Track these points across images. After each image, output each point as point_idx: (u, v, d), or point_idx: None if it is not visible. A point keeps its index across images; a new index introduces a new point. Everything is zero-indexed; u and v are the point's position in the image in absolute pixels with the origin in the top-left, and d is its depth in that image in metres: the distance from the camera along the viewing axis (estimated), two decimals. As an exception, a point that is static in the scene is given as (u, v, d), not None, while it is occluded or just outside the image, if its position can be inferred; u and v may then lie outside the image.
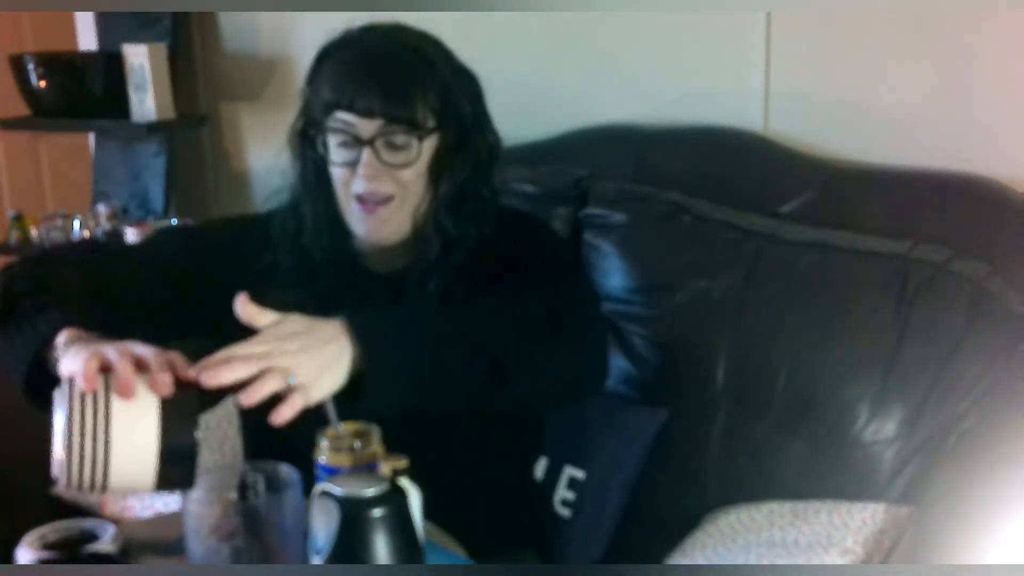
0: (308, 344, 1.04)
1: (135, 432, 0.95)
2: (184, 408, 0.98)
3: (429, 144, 1.32)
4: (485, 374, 1.15)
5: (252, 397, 0.99)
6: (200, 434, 0.97)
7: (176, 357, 1.01)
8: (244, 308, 1.04)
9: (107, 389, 0.96)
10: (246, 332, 1.06)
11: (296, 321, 1.06)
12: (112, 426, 0.94)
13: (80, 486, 0.95)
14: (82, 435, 0.94)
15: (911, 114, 1.79)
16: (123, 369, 0.97)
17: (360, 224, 1.34)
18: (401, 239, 1.36)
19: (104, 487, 0.95)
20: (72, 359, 1.03)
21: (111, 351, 0.99)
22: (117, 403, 0.95)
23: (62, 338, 1.10)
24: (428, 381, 1.13)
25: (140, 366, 0.99)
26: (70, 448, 0.93)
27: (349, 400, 1.08)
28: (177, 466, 0.96)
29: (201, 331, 1.13)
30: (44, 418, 1.15)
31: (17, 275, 1.27)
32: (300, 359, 1.03)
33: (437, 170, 1.34)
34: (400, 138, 1.30)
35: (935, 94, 1.77)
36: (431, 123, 1.31)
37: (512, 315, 1.20)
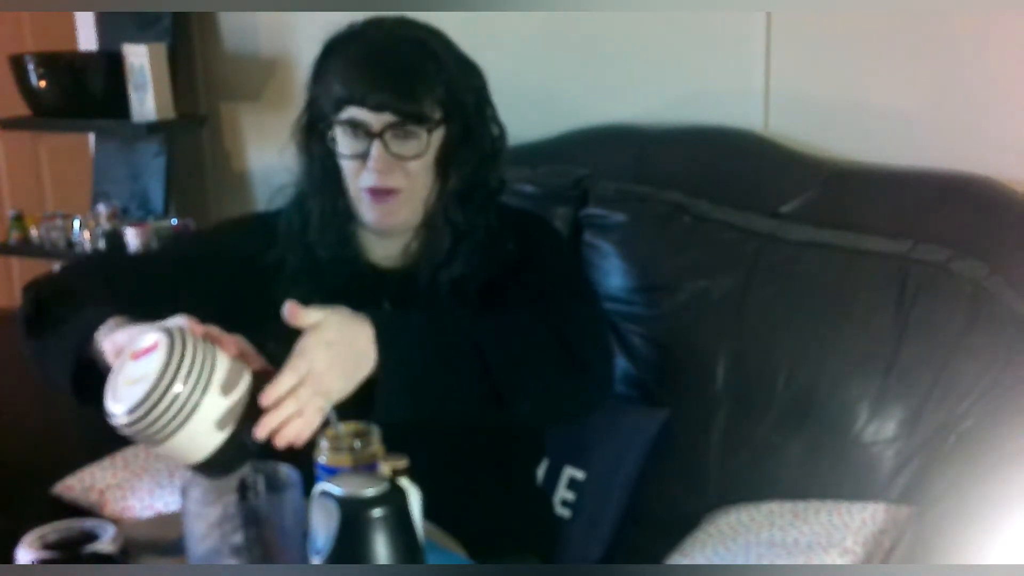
0: (340, 355, 1.06)
1: (229, 387, 0.98)
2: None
3: (437, 136, 1.34)
4: (488, 398, 1.18)
5: (291, 440, 1.01)
6: None
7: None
8: (292, 314, 1.05)
9: (213, 346, 0.99)
10: (257, 330, 1.07)
11: (333, 326, 1.07)
12: (215, 374, 0.97)
13: (147, 429, 0.95)
14: (187, 376, 0.95)
15: (911, 114, 1.79)
16: (225, 334, 1.02)
17: (370, 214, 1.35)
18: (410, 229, 1.38)
19: (170, 436, 0.96)
20: (150, 326, 1.04)
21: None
22: (222, 356, 0.98)
23: (111, 323, 1.13)
24: (435, 398, 1.16)
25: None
26: (166, 386, 0.94)
27: (358, 404, 1.09)
28: (239, 445, 0.99)
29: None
30: (50, 418, 1.15)
31: (44, 285, 1.31)
32: (333, 377, 1.05)
33: (445, 162, 1.35)
34: (410, 130, 1.31)
35: (935, 94, 1.77)
36: (438, 115, 1.33)
37: (523, 341, 1.23)
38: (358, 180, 1.34)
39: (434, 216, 1.37)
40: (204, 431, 0.97)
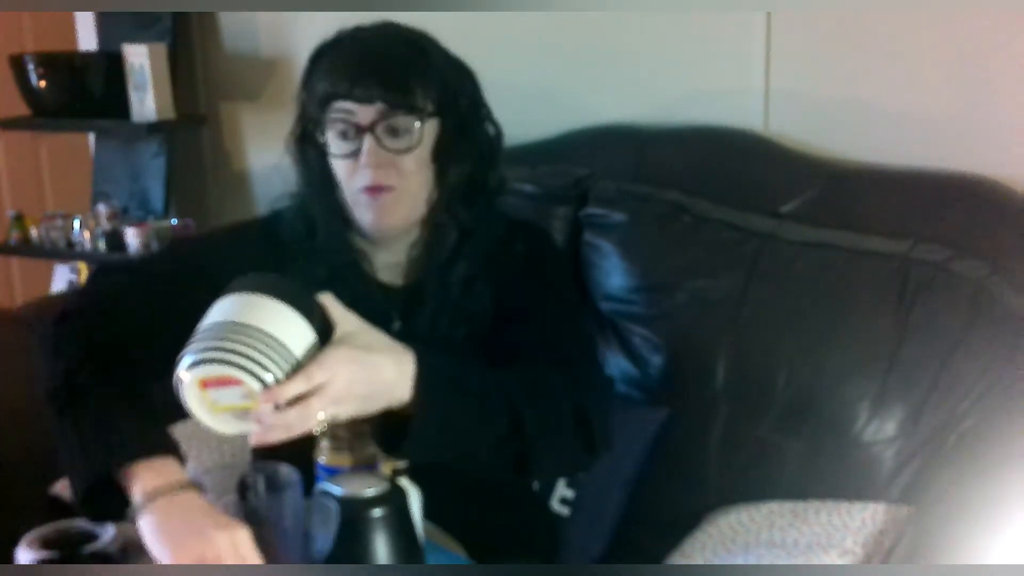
0: (365, 378, 1.03)
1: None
2: None
3: (430, 131, 1.31)
4: (509, 459, 1.17)
5: (268, 438, 0.99)
6: None
7: None
8: (332, 305, 1.06)
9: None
10: None
11: (364, 344, 1.05)
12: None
13: None
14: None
15: (911, 114, 1.79)
16: None
17: (366, 215, 1.32)
18: (407, 230, 1.36)
19: None
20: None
21: None
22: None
23: (143, 464, 1.05)
24: (464, 448, 1.14)
25: None
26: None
27: (385, 439, 1.08)
28: None
29: None
30: (50, 418, 1.14)
31: (74, 352, 1.17)
32: (349, 399, 1.02)
33: (440, 159, 1.33)
34: (401, 122, 1.28)
35: (935, 94, 1.77)
36: (430, 107, 1.30)
37: (548, 405, 1.20)
38: (353, 181, 1.31)
39: (434, 217, 1.35)
40: None
